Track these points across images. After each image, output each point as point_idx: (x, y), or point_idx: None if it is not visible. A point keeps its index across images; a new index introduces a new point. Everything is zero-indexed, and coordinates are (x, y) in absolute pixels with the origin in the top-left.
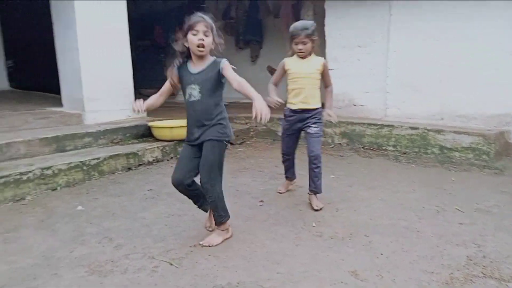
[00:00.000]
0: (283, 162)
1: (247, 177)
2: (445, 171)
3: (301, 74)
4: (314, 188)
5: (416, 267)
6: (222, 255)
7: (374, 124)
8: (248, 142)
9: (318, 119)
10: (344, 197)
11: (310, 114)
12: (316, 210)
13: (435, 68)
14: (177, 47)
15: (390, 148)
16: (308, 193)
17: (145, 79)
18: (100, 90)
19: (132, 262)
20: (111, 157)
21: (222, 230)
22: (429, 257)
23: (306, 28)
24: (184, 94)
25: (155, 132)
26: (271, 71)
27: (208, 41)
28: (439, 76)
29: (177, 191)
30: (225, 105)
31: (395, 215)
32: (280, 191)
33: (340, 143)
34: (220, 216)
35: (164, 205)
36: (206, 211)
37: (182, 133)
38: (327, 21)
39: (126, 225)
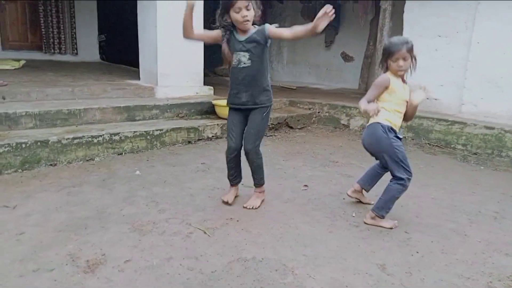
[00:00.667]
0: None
1: (298, 161)
2: None
3: (405, 97)
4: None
5: (452, 270)
6: (254, 231)
7: (445, 120)
8: (309, 127)
9: None
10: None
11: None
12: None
13: None
14: (221, 24)
15: (459, 147)
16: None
17: (218, 59)
18: (172, 66)
19: (171, 225)
20: (173, 129)
21: (260, 192)
22: (470, 262)
23: (406, 42)
24: (232, 60)
25: (218, 110)
26: (345, 57)
27: (251, 14)
28: None
29: (227, 161)
30: (293, 89)
31: (444, 216)
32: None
33: (405, 137)
34: (261, 179)
35: (212, 179)
36: (233, 185)
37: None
38: (407, 6)
39: (174, 192)
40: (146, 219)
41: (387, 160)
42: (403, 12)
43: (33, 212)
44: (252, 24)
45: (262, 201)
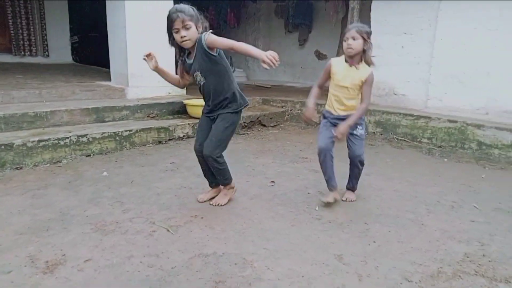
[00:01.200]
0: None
1: (268, 158)
2: (479, 168)
3: (344, 82)
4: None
5: (406, 258)
6: (217, 227)
7: (411, 115)
8: (282, 125)
9: None
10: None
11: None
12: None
13: (484, 59)
14: (173, 46)
15: (425, 140)
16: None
17: None
18: (143, 67)
19: (134, 225)
20: (142, 130)
21: (228, 190)
22: (424, 250)
23: (359, 26)
24: (196, 79)
25: (189, 110)
26: (319, 55)
27: (191, 33)
28: (487, 69)
29: (198, 162)
30: (267, 87)
31: (404, 207)
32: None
33: (374, 132)
34: (225, 179)
35: (180, 178)
36: (212, 186)
37: None
38: (374, 5)
39: (140, 192)
40: (109, 219)
41: None
42: (370, 10)
43: None
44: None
45: (230, 199)
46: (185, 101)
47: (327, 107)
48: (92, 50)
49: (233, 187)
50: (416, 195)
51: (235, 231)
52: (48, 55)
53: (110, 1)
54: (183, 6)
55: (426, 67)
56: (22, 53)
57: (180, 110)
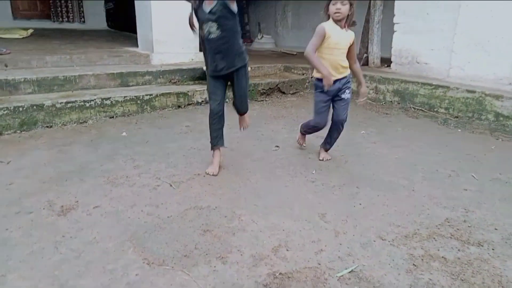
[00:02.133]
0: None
1: (279, 124)
2: (492, 139)
3: (339, 44)
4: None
5: (386, 220)
6: (215, 185)
7: (429, 84)
8: (301, 92)
9: None
10: (360, 152)
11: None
12: (321, 160)
13: (510, 27)
14: None
15: (442, 110)
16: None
17: None
18: (167, 33)
19: (141, 179)
20: (162, 94)
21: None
22: (406, 213)
23: None
24: (203, 32)
25: None
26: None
27: None
28: None
29: (212, 123)
30: (292, 54)
31: (400, 174)
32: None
33: (391, 101)
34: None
35: (192, 139)
36: (213, 148)
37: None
38: None
39: (152, 151)
40: (121, 173)
41: None
42: None
43: (24, 167)
44: None
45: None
46: (204, 67)
47: (318, 75)
48: (125, 17)
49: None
50: (416, 163)
51: (231, 188)
52: (84, 21)
53: None
54: None
55: (450, 34)
56: (60, 19)
57: (201, 76)
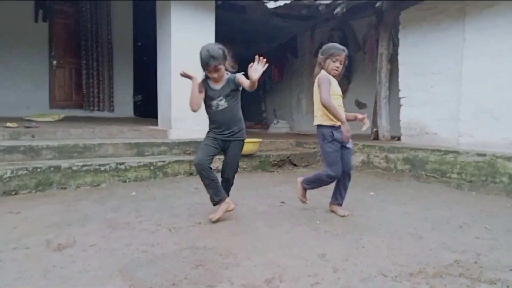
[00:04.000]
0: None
1: (287, 187)
2: (508, 199)
3: (339, 91)
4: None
5: (390, 260)
6: (215, 230)
7: (438, 150)
8: (313, 165)
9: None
10: (367, 208)
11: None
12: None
13: None
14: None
15: (455, 176)
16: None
17: (243, 113)
18: (186, 112)
19: (142, 225)
20: (175, 161)
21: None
22: (412, 255)
23: (345, 50)
24: (211, 106)
25: None
26: (359, 104)
27: (221, 73)
28: None
29: (201, 176)
30: (306, 135)
31: (408, 225)
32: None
33: (402, 169)
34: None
35: (198, 197)
36: (214, 203)
37: (245, 149)
38: (401, 50)
39: (158, 205)
40: (123, 220)
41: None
42: (398, 54)
43: (32, 216)
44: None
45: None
46: None
47: (330, 123)
48: (152, 106)
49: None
50: (426, 216)
51: (231, 232)
52: (113, 110)
53: (160, 56)
54: (215, 50)
55: (455, 104)
56: (91, 108)
57: None
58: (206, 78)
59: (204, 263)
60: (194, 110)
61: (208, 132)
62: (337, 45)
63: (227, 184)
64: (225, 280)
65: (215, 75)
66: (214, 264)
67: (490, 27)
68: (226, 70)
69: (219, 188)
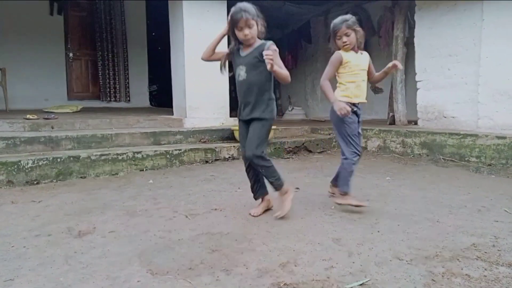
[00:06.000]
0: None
1: (302, 173)
2: None
3: (360, 66)
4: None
5: (405, 244)
6: (230, 216)
7: (457, 134)
8: (329, 151)
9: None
10: (384, 193)
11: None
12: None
13: None
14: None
15: (473, 159)
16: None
17: None
18: (200, 101)
19: (159, 212)
20: (191, 149)
21: (283, 195)
22: (428, 239)
23: (346, 20)
24: (234, 76)
25: (236, 134)
26: (375, 89)
27: (253, 31)
28: None
29: (246, 172)
30: (321, 121)
31: (425, 209)
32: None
33: (419, 154)
34: (277, 180)
35: (214, 184)
36: (256, 198)
37: None
38: (417, 32)
39: (174, 193)
40: (140, 207)
41: (336, 136)
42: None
43: (53, 204)
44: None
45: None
46: (232, 127)
47: (346, 99)
48: (167, 96)
49: (287, 191)
50: (443, 200)
51: (246, 219)
52: (129, 101)
53: (173, 47)
54: (246, 5)
55: (474, 86)
56: (108, 99)
57: (230, 136)
58: (239, 43)
59: (220, 248)
60: (202, 58)
61: (238, 111)
62: (337, 19)
63: (257, 169)
64: (241, 265)
65: (247, 31)
66: (230, 249)
67: (509, 8)
68: (258, 37)
69: (259, 186)
